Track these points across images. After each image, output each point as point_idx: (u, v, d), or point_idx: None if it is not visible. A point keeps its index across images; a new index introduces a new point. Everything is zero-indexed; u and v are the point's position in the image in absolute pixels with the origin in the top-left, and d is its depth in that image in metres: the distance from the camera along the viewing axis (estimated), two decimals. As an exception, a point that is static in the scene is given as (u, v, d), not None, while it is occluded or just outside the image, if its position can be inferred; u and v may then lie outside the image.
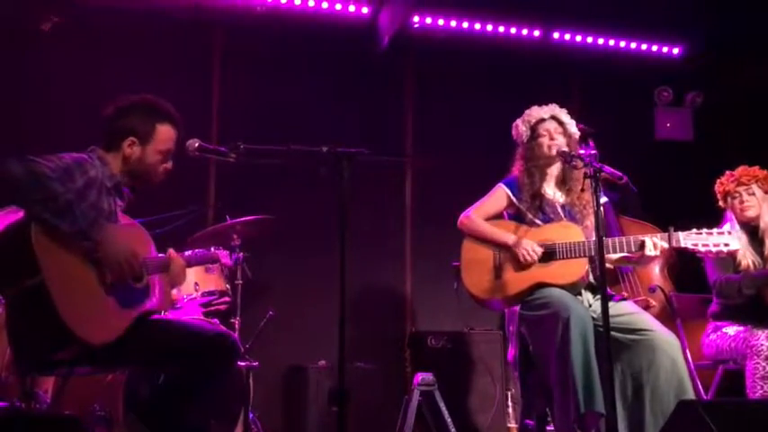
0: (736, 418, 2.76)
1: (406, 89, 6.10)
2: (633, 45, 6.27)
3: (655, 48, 6.32)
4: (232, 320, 4.36)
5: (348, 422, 2.87)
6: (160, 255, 3.04)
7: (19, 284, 2.66)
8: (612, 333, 3.20)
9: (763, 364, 3.81)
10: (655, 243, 3.51)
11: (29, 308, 2.67)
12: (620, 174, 3.34)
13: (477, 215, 3.78)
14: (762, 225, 4.19)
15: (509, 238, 3.66)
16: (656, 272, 5.09)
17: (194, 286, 4.12)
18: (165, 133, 3.05)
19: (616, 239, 3.58)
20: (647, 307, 4.67)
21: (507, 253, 3.66)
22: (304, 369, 4.96)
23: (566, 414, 3.30)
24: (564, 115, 3.84)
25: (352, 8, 5.68)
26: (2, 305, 3.19)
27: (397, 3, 5.60)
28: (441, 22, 5.85)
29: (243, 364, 4.22)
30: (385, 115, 6.00)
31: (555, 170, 3.83)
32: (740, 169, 4.28)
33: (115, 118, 3.02)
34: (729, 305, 4.14)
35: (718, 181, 4.35)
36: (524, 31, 6.00)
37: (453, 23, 5.88)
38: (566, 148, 3.69)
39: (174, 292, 3.87)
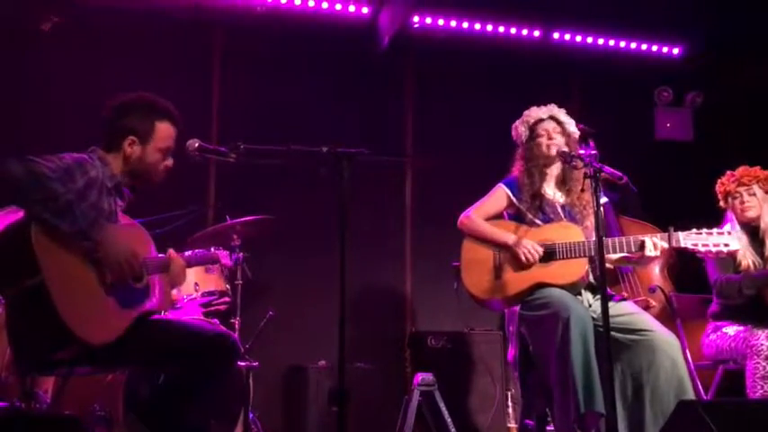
0: (736, 418, 2.76)
1: (406, 89, 6.11)
2: (633, 45, 6.27)
3: (655, 48, 6.32)
4: (232, 320, 4.36)
5: (348, 422, 2.87)
6: (160, 255, 3.04)
7: (19, 284, 2.66)
8: (612, 333, 3.20)
9: (764, 363, 3.81)
10: (655, 243, 3.51)
11: (29, 308, 2.67)
12: (620, 174, 3.34)
13: (478, 215, 3.78)
14: (762, 225, 4.19)
15: (509, 237, 3.66)
16: (656, 272, 5.09)
17: (194, 286, 4.12)
18: (164, 131, 3.04)
19: (616, 239, 3.58)
20: (647, 307, 4.67)
21: (507, 253, 3.66)
22: (304, 369, 4.96)
23: (566, 414, 3.30)
24: (562, 115, 3.84)
25: (352, 8, 5.68)
26: (2, 305, 3.19)
27: (397, 3, 5.60)
28: (441, 22, 5.85)
29: (243, 364, 4.22)
30: (385, 115, 6.00)
31: (555, 170, 3.83)
32: (741, 169, 4.28)
33: (114, 118, 3.02)
34: (730, 305, 4.14)
35: (719, 181, 4.35)
36: (524, 31, 6.00)
37: (453, 23, 5.88)
38: (565, 148, 3.69)
39: (174, 292, 3.87)
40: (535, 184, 3.77)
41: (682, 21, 5.83)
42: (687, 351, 4.07)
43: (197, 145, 3.03)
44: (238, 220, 4.39)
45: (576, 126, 3.87)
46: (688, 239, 3.51)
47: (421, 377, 4.41)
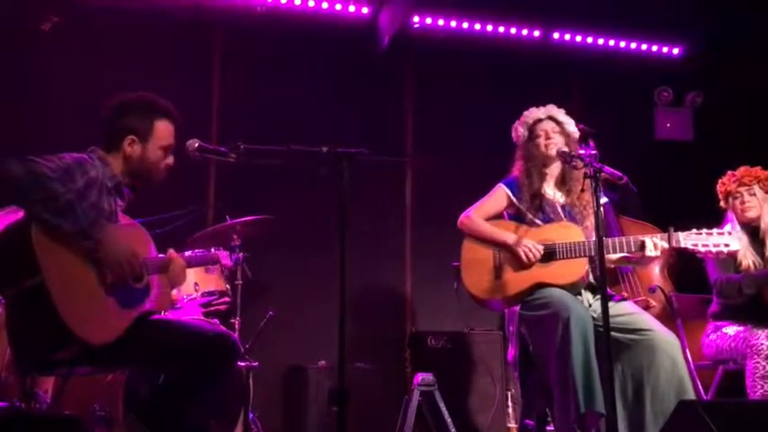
0: (736, 418, 2.76)
1: (406, 89, 6.11)
2: (633, 45, 6.27)
3: (655, 48, 6.32)
4: (232, 320, 4.36)
5: (348, 422, 2.87)
6: (160, 255, 3.04)
7: (19, 284, 2.66)
8: (612, 333, 3.20)
9: (764, 363, 3.81)
10: (655, 243, 3.51)
11: (29, 308, 2.68)
12: (620, 174, 3.34)
13: (478, 215, 3.78)
14: (762, 226, 4.19)
15: (509, 237, 3.66)
16: (656, 272, 5.09)
17: (194, 286, 4.12)
18: (164, 129, 3.05)
19: (616, 239, 3.58)
20: (647, 307, 4.67)
21: (507, 253, 3.66)
22: (304, 369, 4.96)
23: (566, 414, 3.30)
24: (561, 115, 3.84)
25: (352, 8, 5.68)
26: (2, 305, 3.19)
27: (397, 3, 5.60)
28: (441, 22, 5.85)
29: (243, 364, 4.22)
30: (385, 115, 6.00)
31: (555, 170, 3.83)
32: (742, 169, 4.28)
33: (113, 118, 3.02)
34: (730, 305, 4.15)
35: (720, 181, 4.35)
36: (524, 32, 6.00)
37: (453, 23, 5.88)
38: (564, 148, 3.69)
39: (174, 292, 3.87)
40: (534, 183, 3.77)
41: (682, 21, 5.83)
42: (687, 351, 4.08)
43: (197, 145, 3.03)
44: (238, 220, 4.39)
45: (576, 126, 3.87)
46: (688, 240, 3.51)
47: (421, 377, 4.41)
